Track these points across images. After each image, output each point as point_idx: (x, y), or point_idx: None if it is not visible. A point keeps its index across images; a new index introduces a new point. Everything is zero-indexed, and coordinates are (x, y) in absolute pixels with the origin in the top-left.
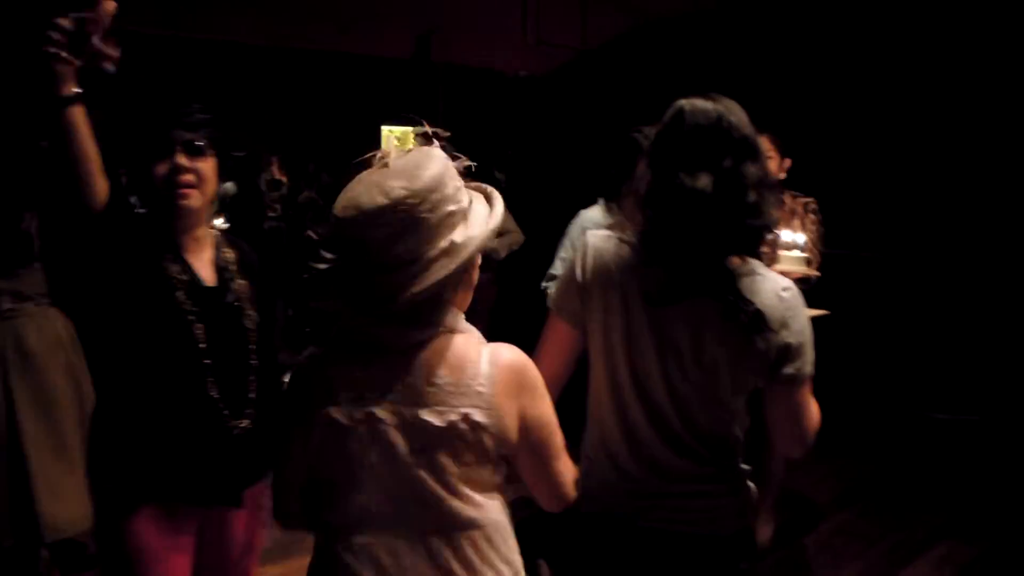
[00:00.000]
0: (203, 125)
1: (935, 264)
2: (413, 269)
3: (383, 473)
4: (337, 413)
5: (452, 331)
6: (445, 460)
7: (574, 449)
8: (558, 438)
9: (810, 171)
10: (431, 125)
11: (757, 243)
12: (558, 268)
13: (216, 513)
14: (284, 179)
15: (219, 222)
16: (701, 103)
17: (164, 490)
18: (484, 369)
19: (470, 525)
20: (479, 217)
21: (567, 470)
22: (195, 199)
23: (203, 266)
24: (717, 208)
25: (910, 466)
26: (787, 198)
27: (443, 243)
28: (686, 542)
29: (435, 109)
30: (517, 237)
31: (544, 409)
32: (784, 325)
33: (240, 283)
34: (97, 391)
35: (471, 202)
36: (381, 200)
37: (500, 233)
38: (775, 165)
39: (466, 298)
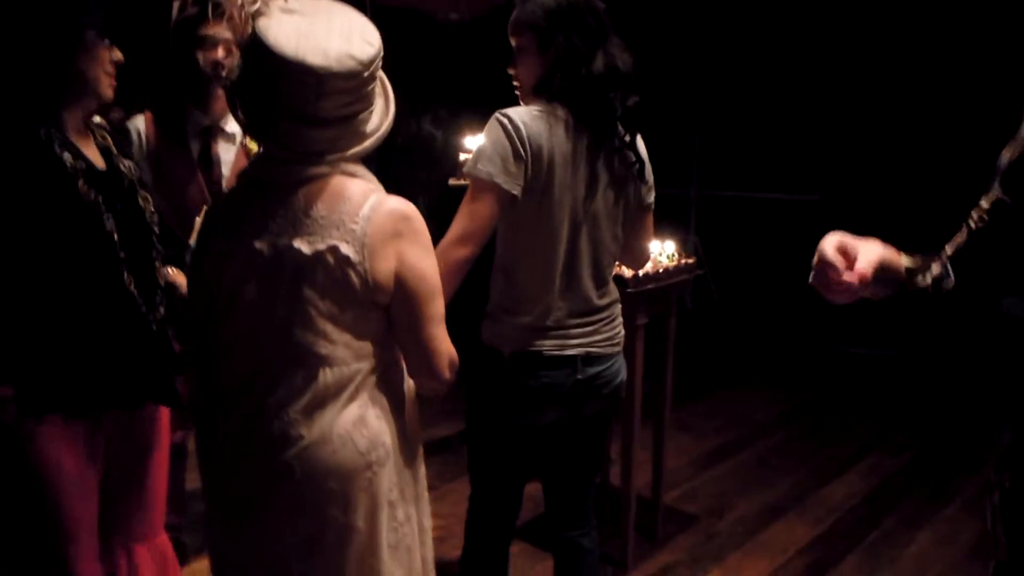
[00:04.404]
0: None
1: (861, 211)
2: (345, 128)
3: (255, 302)
4: (219, 244)
5: (344, 174)
6: (309, 292)
7: None
8: (437, 301)
9: (759, 118)
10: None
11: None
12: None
13: (127, 418)
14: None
15: None
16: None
17: (85, 397)
18: (364, 211)
19: (321, 362)
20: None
21: (442, 342)
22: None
23: (90, 150)
24: (616, 86)
25: (840, 396)
26: None
27: (373, 106)
28: (607, 360)
29: None
30: None
31: (424, 261)
32: (650, 172)
33: (127, 163)
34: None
35: None
36: (351, 62)
37: None
38: None
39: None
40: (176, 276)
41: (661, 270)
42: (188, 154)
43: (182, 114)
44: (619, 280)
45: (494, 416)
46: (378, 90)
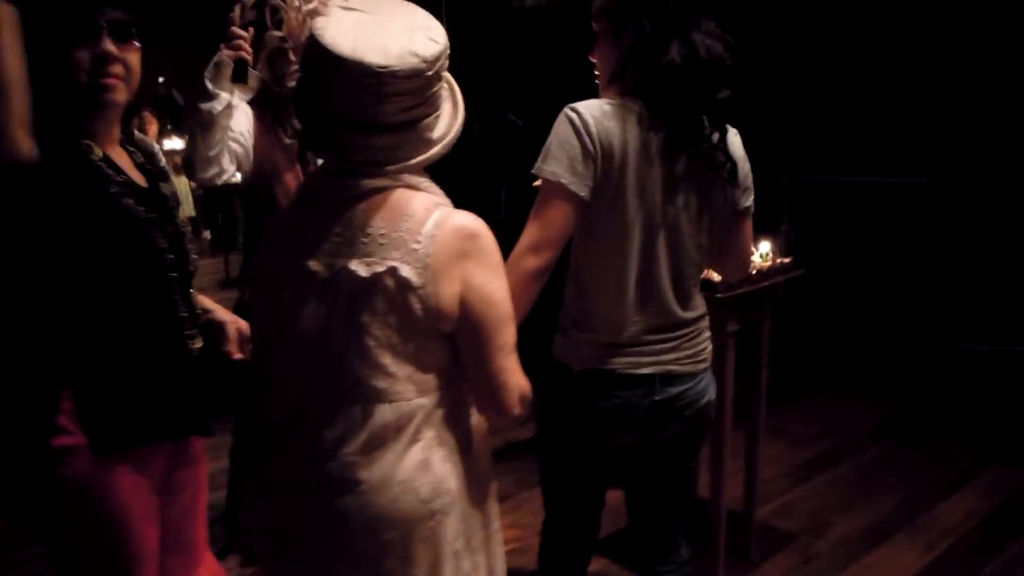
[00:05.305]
0: (134, 6)
1: (975, 193)
2: (408, 134)
3: (310, 329)
4: (276, 263)
5: (407, 186)
6: (367, 319)
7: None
8: (507, 329)
9: (857, 94)
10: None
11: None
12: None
13: (179, 452)
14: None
15: None
16: None
17: (151, 427)
18: (427, 228)
19: (379, 397)
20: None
21: (513, 374)
22: (121, 93)
23: (127, 167)
24: (698, 78)
25: (952, 399)
26: None
27: (440, 111)
28: (689, 379)
29: None
30: None
31: (492, 283)
32: (746, 174)
33: (166, 186)
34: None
35: None
36: (413, 60)
37: None
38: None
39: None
40: (206, 302)
41: (754, 272)
42: (288, 146)
43: (279, 109)
44: (707, 284)
45: (564, 436)
46: (445, 93)
